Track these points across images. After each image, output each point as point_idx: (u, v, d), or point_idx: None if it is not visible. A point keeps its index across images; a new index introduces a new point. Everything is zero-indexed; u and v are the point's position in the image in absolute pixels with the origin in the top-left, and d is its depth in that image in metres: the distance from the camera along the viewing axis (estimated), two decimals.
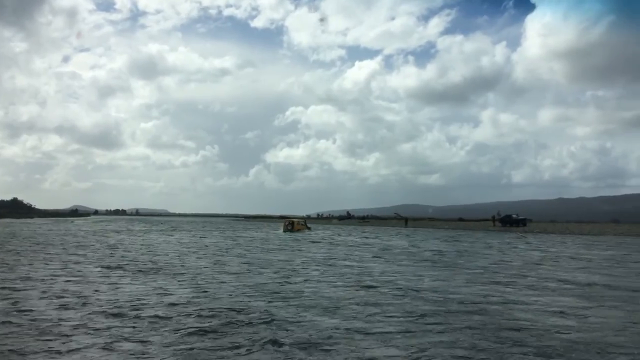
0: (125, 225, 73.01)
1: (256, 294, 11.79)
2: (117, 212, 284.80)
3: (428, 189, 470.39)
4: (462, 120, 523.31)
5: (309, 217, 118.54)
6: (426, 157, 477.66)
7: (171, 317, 9.03)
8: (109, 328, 8.18)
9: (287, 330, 8.27)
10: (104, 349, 7.08)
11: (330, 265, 19.11)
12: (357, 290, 12.48)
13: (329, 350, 7.18)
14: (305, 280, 14.27)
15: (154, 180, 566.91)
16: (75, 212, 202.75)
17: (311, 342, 7.48)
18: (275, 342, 7.46)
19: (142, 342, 7.42)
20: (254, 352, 7.06)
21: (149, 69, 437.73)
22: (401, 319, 9.21)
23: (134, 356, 6.78)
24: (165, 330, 8.13)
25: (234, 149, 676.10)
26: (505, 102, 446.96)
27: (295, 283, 13.77)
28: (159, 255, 22.74)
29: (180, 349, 7.09)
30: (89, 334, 7.83)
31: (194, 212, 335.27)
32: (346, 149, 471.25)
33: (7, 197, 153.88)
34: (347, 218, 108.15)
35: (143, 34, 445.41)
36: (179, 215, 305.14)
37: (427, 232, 56.70)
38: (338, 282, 14.06)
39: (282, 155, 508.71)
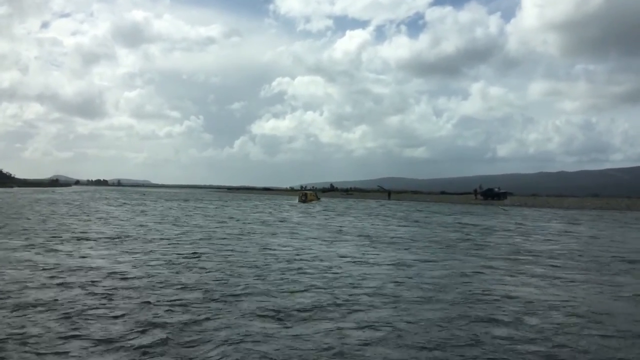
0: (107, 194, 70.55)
1: None
2: (98, 183, 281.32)
3: (413, 161, 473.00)
4: (450, 93, 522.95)
5: (292, 189, 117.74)
6: (413, 130, 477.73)
7: None
8: None
9: None
10: None
11: None
12: None
13: None
14: None
15: (137, 150, 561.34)
16: (56, 182, 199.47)
17: None
18: None
19: None
20: None
21: (133, 37, 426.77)
22: None
23: None
24: None
25: (219, 120, 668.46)
26: (497, 74, 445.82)
27: None
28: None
29: None
30: None
31: (176, 183, 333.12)
32: (333, 121, 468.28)
33: None
34: (330, 190, 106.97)
35: None
36: (162, 186, 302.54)
37: (390, 203, 55.66)
38: None
39: (267, 126, 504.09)
